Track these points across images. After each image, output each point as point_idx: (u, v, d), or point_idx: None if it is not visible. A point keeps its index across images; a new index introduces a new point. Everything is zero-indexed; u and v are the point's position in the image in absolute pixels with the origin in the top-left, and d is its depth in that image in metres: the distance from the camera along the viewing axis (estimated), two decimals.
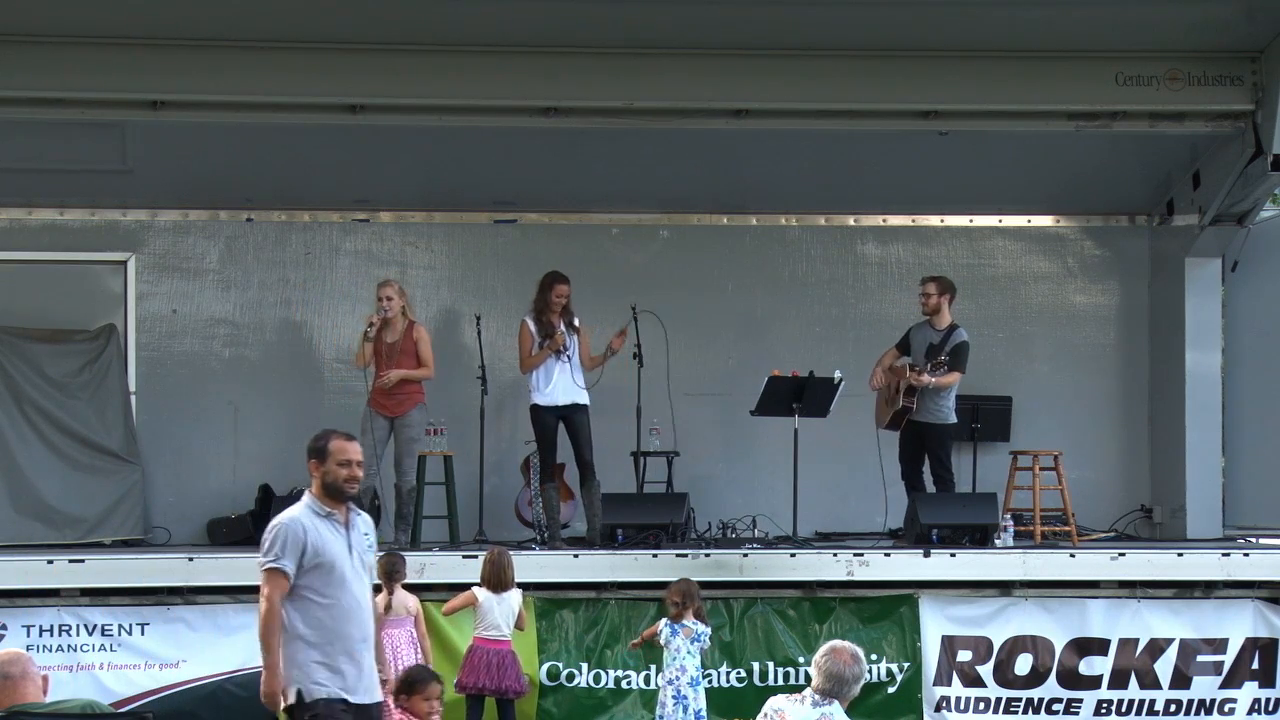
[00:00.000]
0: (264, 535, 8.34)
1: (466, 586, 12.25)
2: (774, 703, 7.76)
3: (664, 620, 11.97)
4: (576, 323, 14.03)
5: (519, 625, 12.10)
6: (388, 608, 11.66)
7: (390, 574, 11.80)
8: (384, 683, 11.39)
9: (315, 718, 8.18)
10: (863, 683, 7.92)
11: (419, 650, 11.74)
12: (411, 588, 12.36)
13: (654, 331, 14.71)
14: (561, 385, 13.89)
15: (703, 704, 11.89)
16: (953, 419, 14.33)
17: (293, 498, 14.38)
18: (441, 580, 12.77)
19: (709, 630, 12.01)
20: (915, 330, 14.52)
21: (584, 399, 13.98)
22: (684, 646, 11.77)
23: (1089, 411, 16.09)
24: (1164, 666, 13.26)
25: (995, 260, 16.26)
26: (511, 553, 12.74)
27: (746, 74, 13.84)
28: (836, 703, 7.62)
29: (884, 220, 16.15)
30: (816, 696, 7.63)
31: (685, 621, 11.81)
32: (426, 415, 14.03)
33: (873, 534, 14.64)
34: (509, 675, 11.92)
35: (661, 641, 11.88)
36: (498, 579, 11.98)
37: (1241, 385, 15.74)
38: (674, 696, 11.78)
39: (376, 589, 11.68)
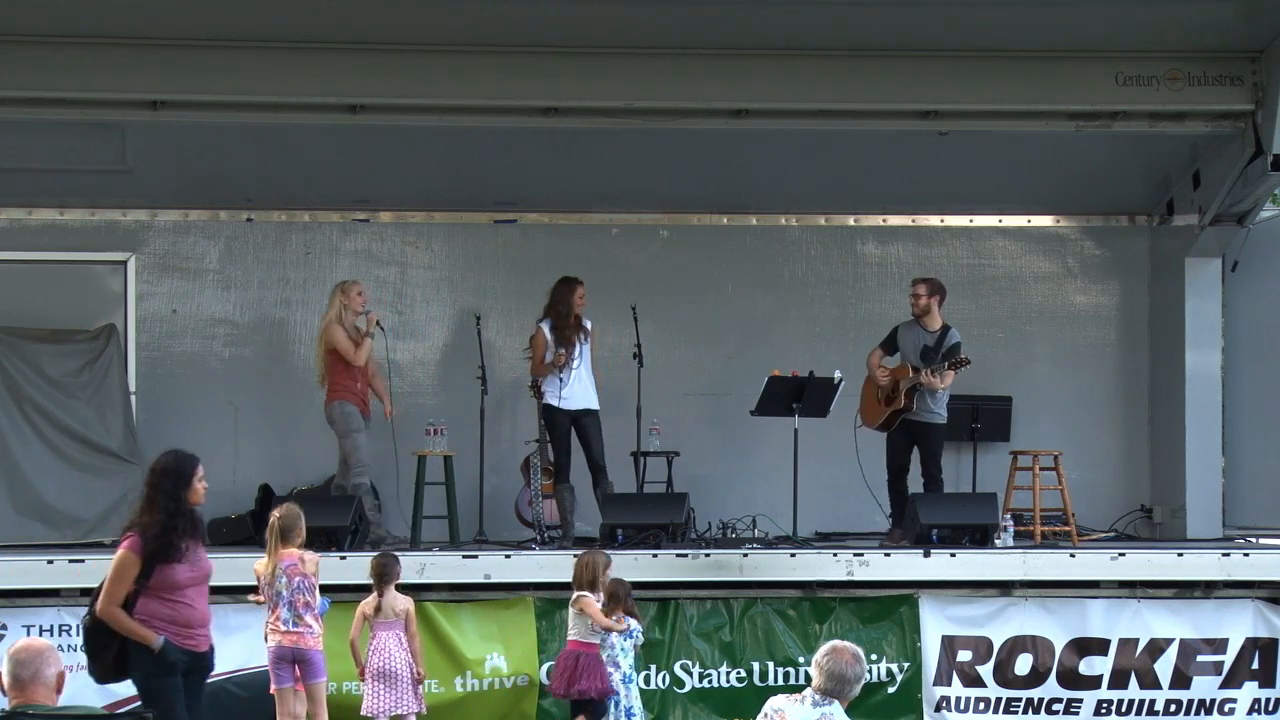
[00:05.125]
0: None
1: (466, 587, 12.22)
2: (774, 703, 7.75)
3: None
4: (588, 325, 14.09)
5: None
6: (377, 609, 11.63)
7: (381, 575, 11.74)
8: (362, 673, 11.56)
9: None
10: (863, 683, 7.91)
11: (408, 652, 11.70)
12: (412, 588, 12.37)
13: (654, 332, 14.75)
14: (577, 389, 13.98)
15: (635, 702, 11.84)
16: (945, 418, 14.35)
17: (293, 498, 14.57)
18: (442, 580, 12.78)
19: (641, 628, 12.00)
20: (904, 330, 14.44)
21: (595, 404, 14.13)
22: (618, 644, 11.75)
23: (1089, 411, 16.09)
24: (1164, 666, 13.26)
25: (995, 260, 16.26)
26: (511, 553, 12.76)
27: (746, 74, 13.84)
28: (836, 703, 7.61)
29: (884, 220, 16.16)
30: (817, 696, 7.63)
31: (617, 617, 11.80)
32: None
33: (873, 534, 14.63)
34: (586, 678, 11.69)
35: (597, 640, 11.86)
36: (583, 582, 11.85)
37: (1241, 385, 15.74)
38: None
39: (366, 589, 11.75)
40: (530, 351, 14.34)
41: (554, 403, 14.02)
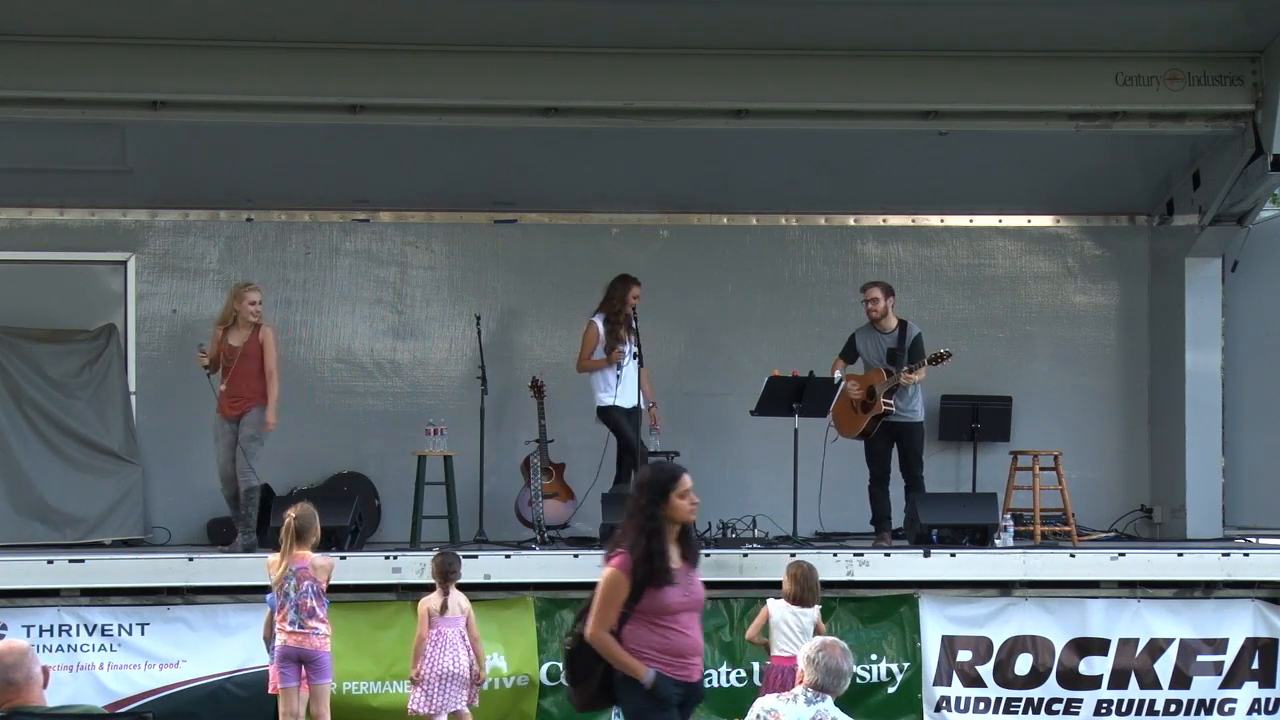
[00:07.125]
0: None
1: (466, 586, 12.19)
2: (765, 703, 7.69)
3: None
4: (636, 323, 14.15)
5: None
6: (444, 608, 11.67)
7: (446, 574, 11.78)
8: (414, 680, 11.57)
9: None
10: (855, 680, 7.89)
11: (470, 649, 11.73)
12: (412, 588, 12.37)
13: (654, 331, 14.74)
14: (631, 386, 14.05)
15: None
16: (923, 415, 14.39)
17: (293, 498, 14.57)
18: None
19: None
20: (862, 336, 14.42)
21: (640, 403, 14.23)
22: None
23: (1089, 411, 16.08)
24: (1164, 666, 13.27)
25: (995, 260, 16.25)
26: (511, 553, 12.69)
27: (746, 74, 13.84)
28: (829, 698, 7.56)
29: (884, 220, 16.15)
30: (809, 693, 7.56)
31: None
32: (263, 415, 13.83)
33: (872, 534, 14.61)
34: None
35: None
36: (800, 594, 11.69)
37: (1241, 385, 15.74)
38: None
39: (430, 589, 11.76)
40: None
41: (610, 401, 14.09)
